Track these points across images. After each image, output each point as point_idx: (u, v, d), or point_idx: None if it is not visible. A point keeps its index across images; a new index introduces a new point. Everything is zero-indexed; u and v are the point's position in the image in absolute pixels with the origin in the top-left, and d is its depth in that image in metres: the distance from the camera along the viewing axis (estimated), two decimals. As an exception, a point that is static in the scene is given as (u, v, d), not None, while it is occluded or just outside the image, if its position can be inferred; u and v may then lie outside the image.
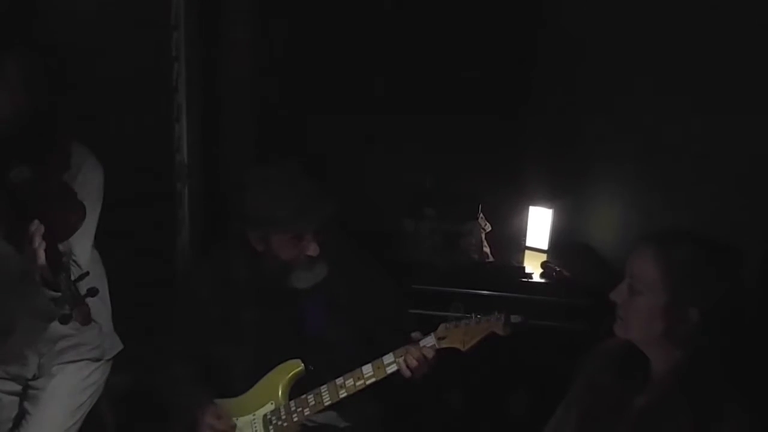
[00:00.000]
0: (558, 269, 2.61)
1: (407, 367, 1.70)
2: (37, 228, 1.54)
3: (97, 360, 2.00)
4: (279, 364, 1.84)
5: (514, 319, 1.67)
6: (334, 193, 1.82)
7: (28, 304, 1.82)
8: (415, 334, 1.73)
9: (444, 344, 1.70)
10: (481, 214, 2.78)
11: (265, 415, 1.82)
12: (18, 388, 1.92)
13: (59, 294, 1.54)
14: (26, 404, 1.90)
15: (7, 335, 1.84)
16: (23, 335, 1.86)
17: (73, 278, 1.55)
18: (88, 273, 1.59)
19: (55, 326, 1.88)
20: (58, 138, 1.80)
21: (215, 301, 1.88)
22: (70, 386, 1.93)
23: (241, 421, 1.84)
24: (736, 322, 1.39)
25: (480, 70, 2.84)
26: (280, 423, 1.80)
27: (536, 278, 2.62)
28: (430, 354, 1.70)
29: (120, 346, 2.07)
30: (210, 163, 2.65)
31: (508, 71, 2.85)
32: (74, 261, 1.72)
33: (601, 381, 1.54)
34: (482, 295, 2.46)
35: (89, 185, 1.81)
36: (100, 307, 1.97)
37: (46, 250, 1.54)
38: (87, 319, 1.54)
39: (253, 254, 1.84)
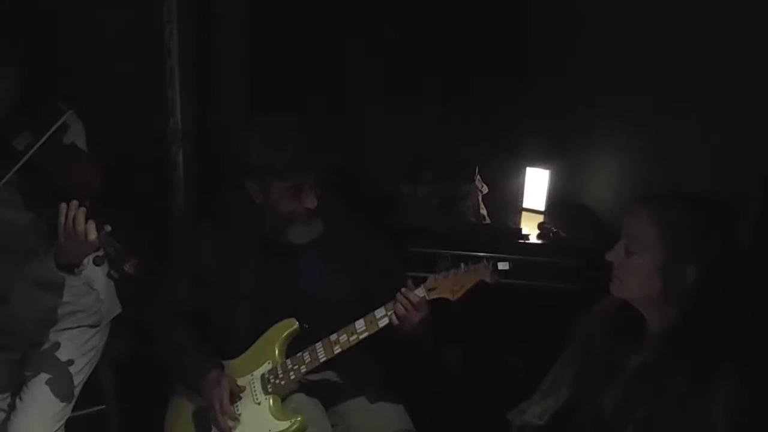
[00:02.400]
0: (555, 230, 2.61)
1: (398, 319, 1.70)
2: (75, 208, 1.55)
3: (95, 326, 2.01)
4: (276, 322, 1.85)
5: (502, 265, 1.66)
6: (334, 145, 1.82)
7: (25, 272, 1.82)
8: (408, 282, 1.74)
9: (433, 295, 1.71)
10: (478, 176, 2.77)
11: (262, 375, 1.84)
12: (17, 355, 1.93)
13: (100, 253, 1.56)
14: (26, 371, 1.91)
15: (3, 303, 1.84)
16: (20, 303, 1.86)
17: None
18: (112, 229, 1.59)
19: (53, 295, 1.89)
20: (50, 101, 1.78)
21: (214, 256, 1.88)
22: (68, 352, 1.93)
23: (239, 382, 1.85)
24: (732, 280, 1.40)
25: (476, 30, 2.80)
26: (277, 381, 1.82)
27: (533, 239, 2.62)
28: (419, 303, 1.70)
29: (118, 309, 2.08)
30: (204, 127, 2.64)
31: (505, 32, 2.81)
32: None
33: (597, 340, 1.55)
34: (479, 257, 2.46)
35: (78, 142, 1.81)
36: (97, 272, 1.97)
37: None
38: (141, 271, 1.55)
39: (252, 207, 1.84)
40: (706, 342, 1.38)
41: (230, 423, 1.77)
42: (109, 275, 1.56)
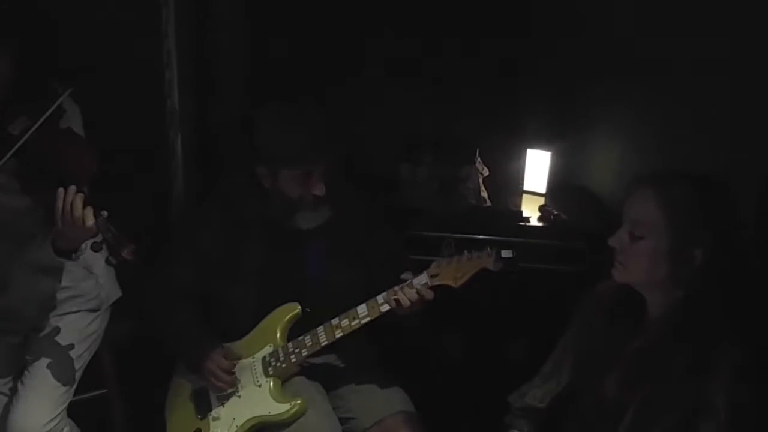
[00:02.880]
0: (556, 212, 2.60)
1: (400, 305, 1.71)
2: (73, 193, 1.54)
3: (95, 310, 2.01)
4: (279, 305, 1.86)
5: (505, 253, 1.66)
6: (345, 133, 1.81)
7: (23, 257, 1.82)
8: (405, 275, 1.74)
9: (436, 282, 1.71)
10: (479, 159, 2.76)
11: (263, 358, 1.85)
12: (17, 339, 1.93)
13: (98, 239, 1.56)
14: (27, 356, 1.91)
15: (2, 289, 1.84)
16: (19, 288, 1.86)
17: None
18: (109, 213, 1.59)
19: (52, 280, 1.89)
20: (45, 85, 1.76)
21: (218, 238, 1.88)
22: (68, 337, 1.93)
23: (241, 364, 1.87)
24: (733, 259, 1.39)
25: (477, 10, 2.78)
26: (278, 364, 1.83)
27: (534, 222, 2.61)
28: (423, 292, 1.70)
29: (118, 293, 2.08)
30: (202, 110, 2.62)
31: (506, 12, 2.78)
32: None
33: (597, 323, 1.55)
34: (480, 239, 2.46)
35: (75, 126, 1.79)
36: (97, 257, 1.96)
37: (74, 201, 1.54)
38: (139, 257, 1.55)
39: (260, 191, 1.84)
40: (707, 322, 1.38)
41: (230, 378, 1.81)
42: (107, 261, 1.56)
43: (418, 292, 1.70)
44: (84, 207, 1.56)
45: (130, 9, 2.50)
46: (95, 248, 1.58)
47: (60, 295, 1.92)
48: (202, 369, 1.84)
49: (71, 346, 1.93)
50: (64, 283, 1.92)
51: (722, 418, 1.32)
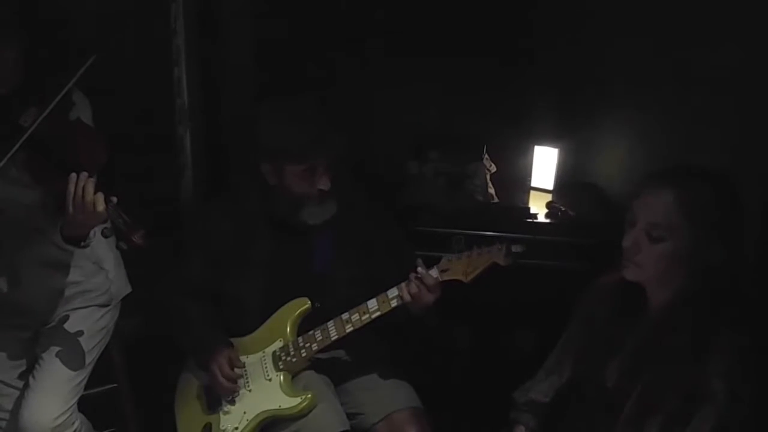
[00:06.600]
0: (563, 209, 2.60)
1: (410, 297, 1.71)
2: (85, 178, 1.55)
3: (106, 305, 2.02)
4: (288, 301, 1.87)
5: (516, 248, 1.66)
6: (347, 128, 1.82)
7: (34, 253, 1.83)
8: (418, 261, 1.74)
9: (446, 277, 1.71)
10: (486, 155, 2.76)
11: (274, 352, 1.86)
12: (29, 334, 1.95)
13: (108, 226, 1.58)
14: (38, 350, 1.92)
15: (14, 285, 1.85)
16: (30, 283, 1.87)
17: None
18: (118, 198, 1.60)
19: (62, 274, 1.90)
20: (55, 77, 1.77)
21: (227, 235, 1.89)
22: (78, 327, 1.94)
23: (251, 359, 1.88)
24: (743, 254, 1.39)
25: (483, 5, 2.78)
26: (288, 359, 1.84)
27: (541, 218, 2.62)
28: (432, 285, 1.71)
29: (128, 289, 2.09)
30: (211, 106, 2.63)
31: (512, 7, 2.78)
32: None
33: (598, 315, 1.55)
34: (487, 236, 2.46)
35: (84, 117, 1.80)
36: (107, 252, 1.97)
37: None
38: (146, 241, 1.57)
39: (266, 188, 1.84)
40: (710, 312, 1.37)
41: (232, 385, 1.81)
42: (117, 247, 1.58)
43: (427, 286, 1.70)
44: (95, 193, 1.57)
45: (139, 6, 2.51)
46: (106, 234, 1.59)
47: (71, 290, 1.93)
48: (208, 369, 1.85)
49: (80, 332, 1.93)
50: (74, 278, 1.93)
51: (721, 402, 1.31)
